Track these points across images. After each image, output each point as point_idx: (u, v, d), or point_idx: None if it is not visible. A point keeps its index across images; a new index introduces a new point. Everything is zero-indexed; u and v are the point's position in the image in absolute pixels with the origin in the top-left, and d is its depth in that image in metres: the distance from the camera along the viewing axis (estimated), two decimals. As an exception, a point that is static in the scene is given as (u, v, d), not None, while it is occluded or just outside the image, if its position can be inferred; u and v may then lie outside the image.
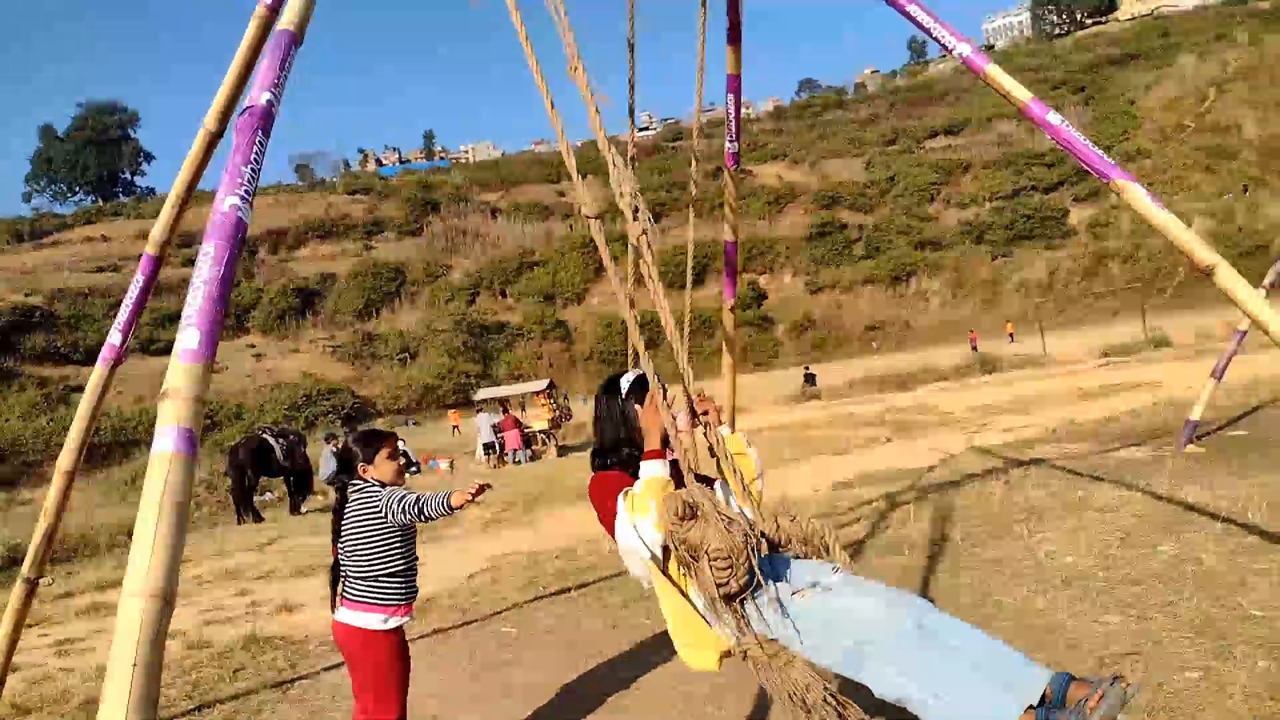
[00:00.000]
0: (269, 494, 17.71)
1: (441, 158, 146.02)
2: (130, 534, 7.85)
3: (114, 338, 4.32)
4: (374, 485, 3.84)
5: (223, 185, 2.57)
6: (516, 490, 14.83)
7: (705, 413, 2.82)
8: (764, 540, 2.50)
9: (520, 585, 7.72)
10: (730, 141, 5.40)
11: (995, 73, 4.22)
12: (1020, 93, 4.20)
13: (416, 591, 3.94)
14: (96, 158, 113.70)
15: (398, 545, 3.80)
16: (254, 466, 15.67)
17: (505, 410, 24.95)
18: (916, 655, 2.26)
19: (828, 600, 2.46)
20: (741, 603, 2.42)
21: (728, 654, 2.58)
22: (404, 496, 3.73)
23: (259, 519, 15.57)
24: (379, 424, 55.23)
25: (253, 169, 2.63)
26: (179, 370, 2.16)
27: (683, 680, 4.92)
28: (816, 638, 2.40)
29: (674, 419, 2.68)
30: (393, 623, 3.75)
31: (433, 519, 3.78)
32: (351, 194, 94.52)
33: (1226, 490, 7.04)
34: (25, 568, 4.52)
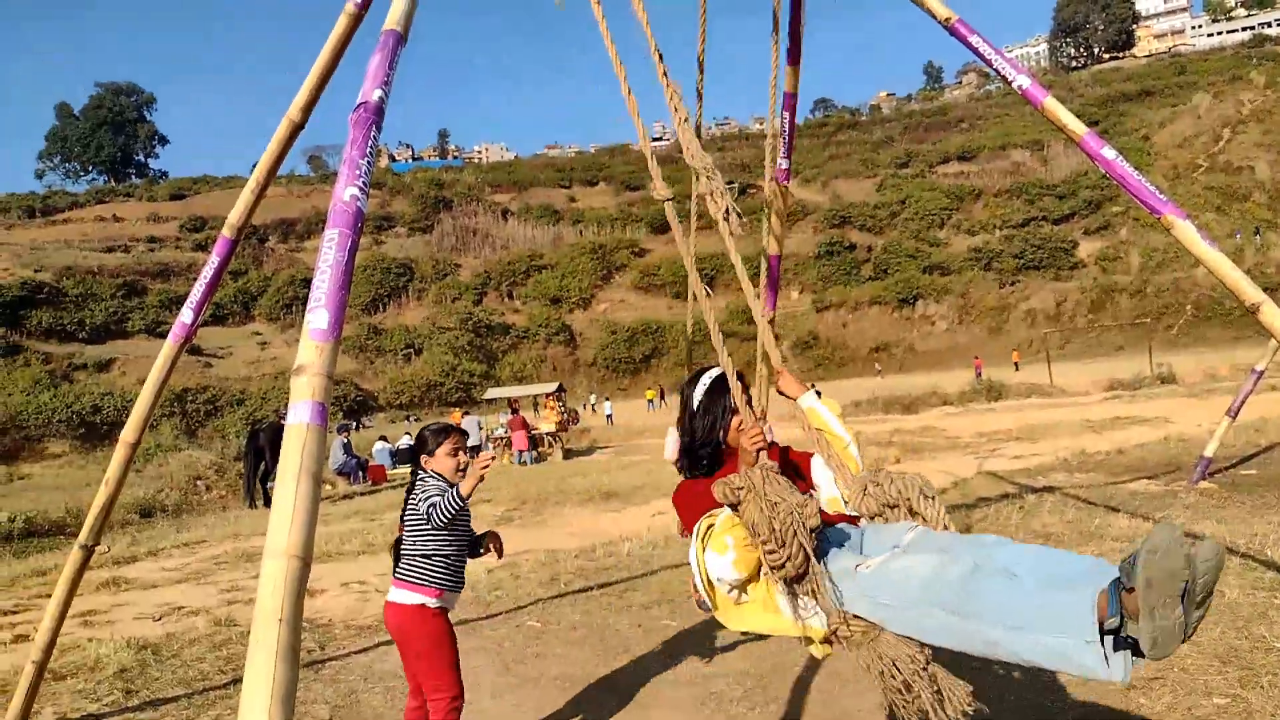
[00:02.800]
0: (278, 481, 17.85)
1: (455, 156, 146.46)
2: (141, 513, 8.13)
3: (185, 316, 4.43)
4: (431, 478, 3.99)
5: (341, 176, 2.70)
6: (524, 490, 14.94)
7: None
8: (818, 513, 2.45)
9: (542, 581, 7.82)
10: (783, 158, 5.53)
11: (1053, 105, 4.34)
12: (1076, 125, 4.33)
13: (462, 582, 4.06)
14: (111, 138, 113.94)
15: (444, 534, 3.94)
16: (273, 451, 15.76)
17: (514, 411, 25.08)
18: (977, 596, 2.17)
19: (889, 566, 2.42)
20: (816, 584, 2.42)
21: (830, 639, 2.56)
22: (430, 501, 3.84)
23: (270, 504, 15.68)
24: (380, 419, 55.39)
25: (368, 162, 2.76)
26: (311, 347, 2.29)
27: (712, 679, 5.03)
28: (888, 606, 2.34)
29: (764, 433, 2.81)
30: (433, 604, 3.87)
31: (452, 515, 3.82)
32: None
33: (1243, 526, 7.15)
34: (83, 535, 4.63)
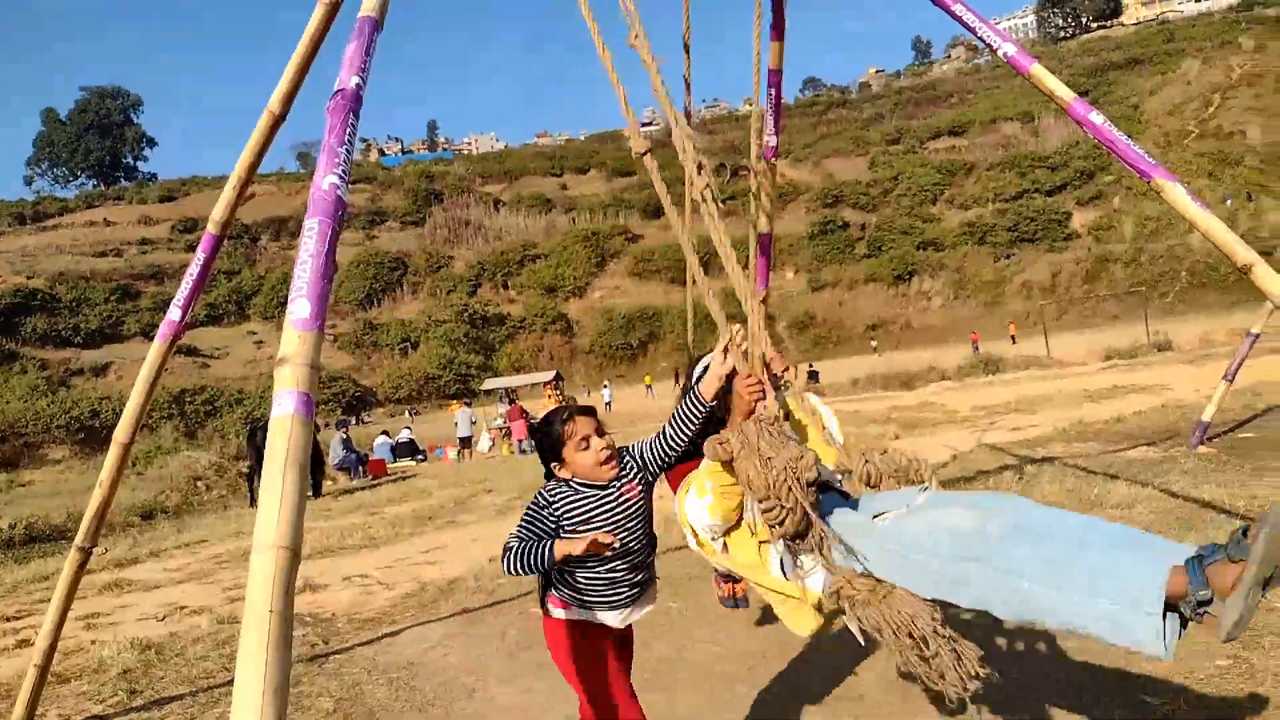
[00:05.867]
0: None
1: (445, 149, 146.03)
2: (143, 515, 8.12)
3: (173, 314, 4.41)
4: (560, 487, 3.15)
5: (321, 165, 2.67)
6: (526, 480, 14.92)
7: (784, 371, 2.86)
8: (815, 466, 2.32)
9: (543, 569, 7.83)
10: (770, 135, 5.50)
11: (1040, 72, 4.30)
12: (1064, 92, 4.29)
13: (618, 599, 3.17)
14: (99, 142, 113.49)
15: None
16: (270, 449, 15.75)
17: (513, 401, 25.06)
18: (1017, 551, 2.02)
19: (913, 519, 2.28)
20: (818, 540, 2.30)
21: (830, 609, 2.46)
22: (506, 544, 3.01)
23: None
24: (379, 413, 55.35)
25: (347, 149, 2.73)
26: (293, 337, 2.26)
27: (718, 660, 5.04)
28: (908, 562, 2.19)
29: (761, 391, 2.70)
30: (558, 613, 3.26)
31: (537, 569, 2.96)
32: (354, 183, 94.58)
33: (1242, 489, 7.15)
34: (80, 537, 4.61)
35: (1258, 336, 9.59)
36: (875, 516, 2.38)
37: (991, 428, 14.25)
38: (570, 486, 3.10)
